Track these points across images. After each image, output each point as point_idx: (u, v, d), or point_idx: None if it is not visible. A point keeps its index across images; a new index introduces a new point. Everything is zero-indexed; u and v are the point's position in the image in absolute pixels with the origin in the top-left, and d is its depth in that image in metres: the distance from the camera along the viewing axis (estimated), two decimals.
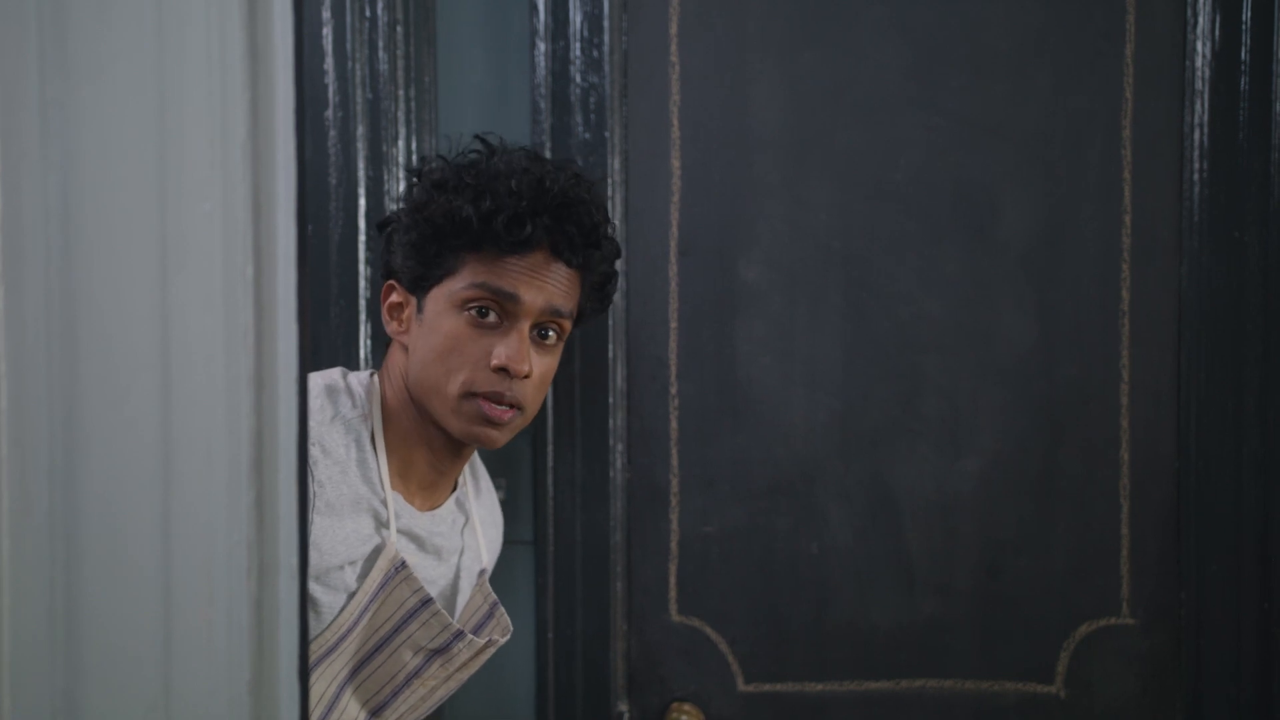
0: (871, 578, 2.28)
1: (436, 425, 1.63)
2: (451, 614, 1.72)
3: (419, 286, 1.65)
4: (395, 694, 1.71)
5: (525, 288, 1.59)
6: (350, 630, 1.60)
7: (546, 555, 2.17)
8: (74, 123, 0.91)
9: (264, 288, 0.94)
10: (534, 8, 2.13)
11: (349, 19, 2.12)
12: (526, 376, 1.59)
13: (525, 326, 1.60)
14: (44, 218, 0.90)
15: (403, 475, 1.65)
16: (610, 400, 2.15)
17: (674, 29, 2.17)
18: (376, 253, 1.99)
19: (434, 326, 1.63)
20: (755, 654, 2.27)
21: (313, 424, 1.58)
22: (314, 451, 1.57)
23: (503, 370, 1.58)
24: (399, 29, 2.15)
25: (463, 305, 1.60)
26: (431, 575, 1.69)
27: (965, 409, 2.28)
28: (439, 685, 1.71)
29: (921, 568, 2.27)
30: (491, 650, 1.70)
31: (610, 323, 2.13)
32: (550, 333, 1.64)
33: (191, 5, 0.91)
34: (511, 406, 1.60)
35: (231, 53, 0.92)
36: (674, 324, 2.19)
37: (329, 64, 2.14)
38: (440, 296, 1.63)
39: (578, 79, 2.16)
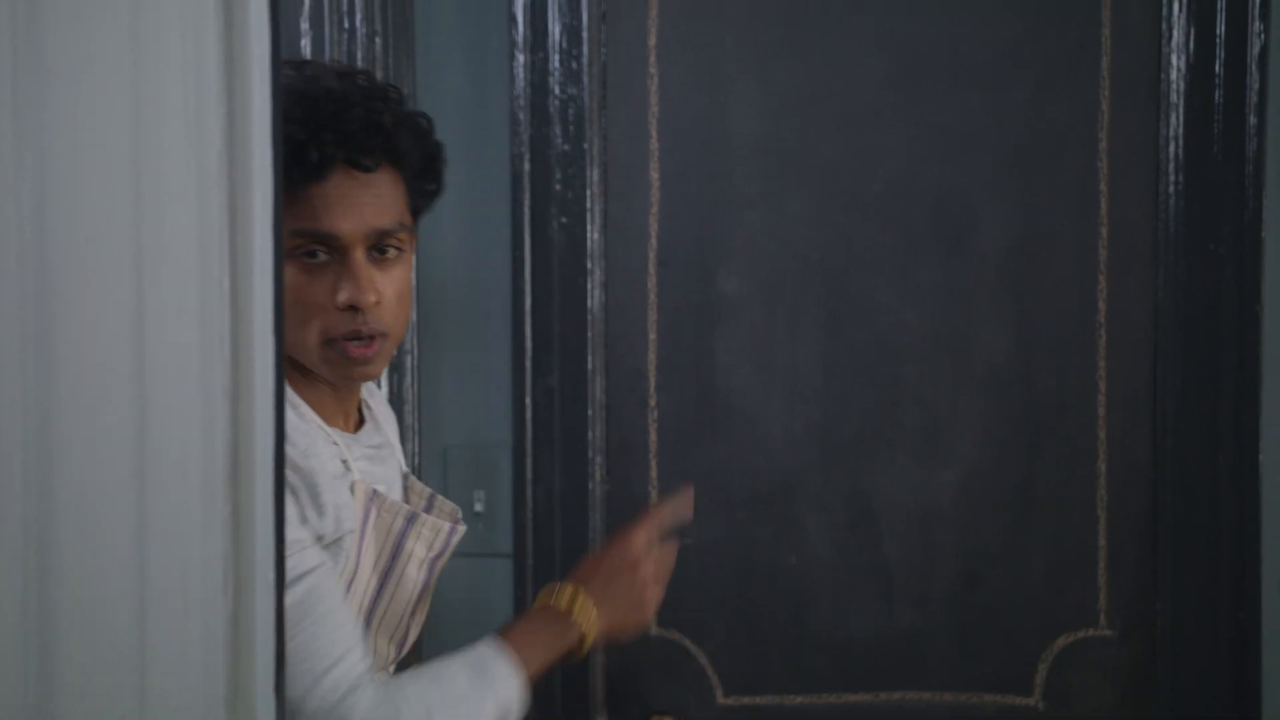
0: (850, 589, 2.27)
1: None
2: None
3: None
4: (412, 615, 1.71)
5: (339, 218, 1.52)
6: (356, 572, 1.64)
7: (525, 568, 2.16)
8: (48, 128, 0.90)
9: (240, 297, 0.92)
10: (513, 19, 2.17)
11: (327, 30, 2.11)
12: (377, 304, 1.54)
13: (358, 254, 1.53)
14: (17, 224, 0.88)
15: (323, 413, 1.64)
16: (589, 412, 2.15)
17: (652, 40, 2.18)
18: None
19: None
20: (734, 666, 2.26)
21: None
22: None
23: (351, 307, 1.53)
24: (377, 40, 2.14)
25: (290, 254, 1.54)
26: (390, 488, 1.71)
27: (943, 419, 2.29)
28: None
29: (900, 579, 2.28)
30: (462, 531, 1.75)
31: (589, 334, 2.17)
32: (389, 249, 1.56)
33: (168, 13, 0.90)
34: (373, 338, 1.56)
35: (208, 61, 0.91)
36: (653, 335, 2.19)
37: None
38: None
39: (556, 90, 2.19)
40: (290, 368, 1.62)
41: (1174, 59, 2.25)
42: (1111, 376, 2.30)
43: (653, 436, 2.18)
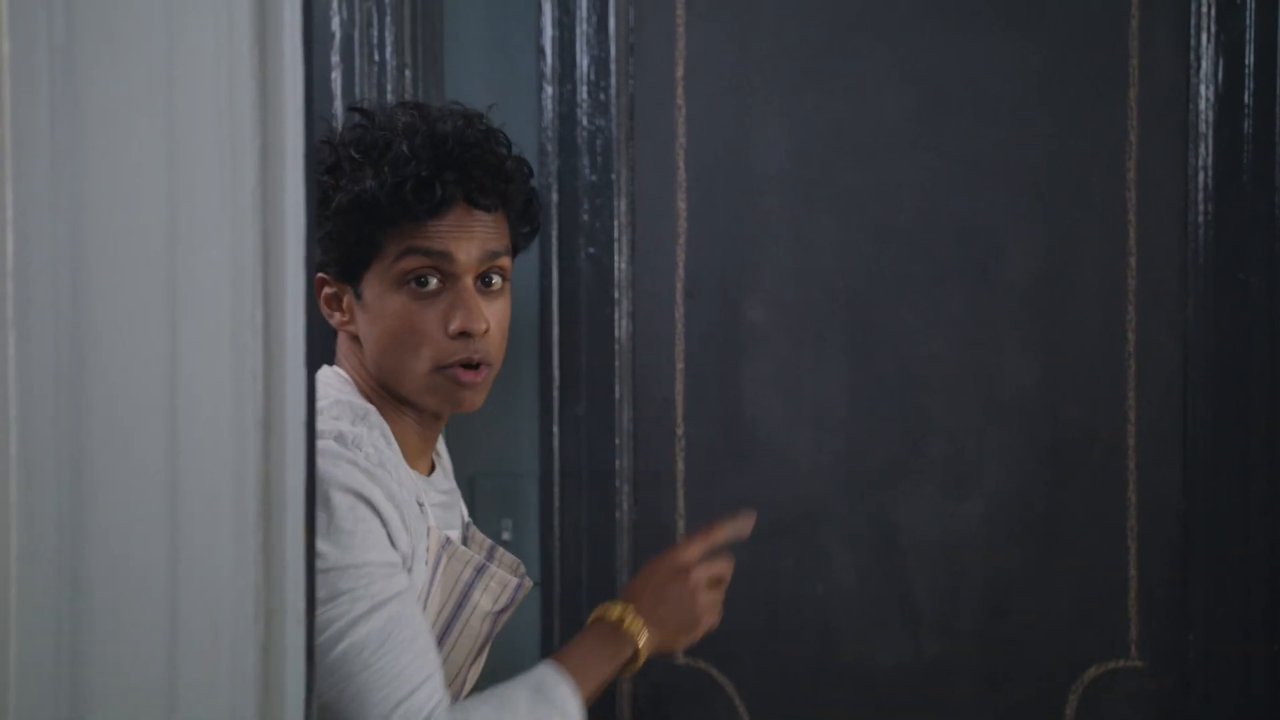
0: (876, 619, 2.27)
1: (409, 403, 1.64)
2: None
3: (350, 274, 1.62)
4: (470, 665, 1.72)
5: (455, 245, 1.58)
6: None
7: (553, 597, 2.16)
8: (84, 170, 0.91)
9: (273, 333, 0.93)
10: (541, 51, 2.19)
11: (358, 63, 2.14)
12: (486, 332, 1.59)
13: (468, 282, 1.58)
14: (53, 264, 0.90)
15: (405, 453, 1.66)
16: (617, 441, 2.16)
17: (679, 72, 2.20)
18: None
19: (380, 311, 1.61)
20: (761, 696, 2.27)
21: (344, 426, 1.61)
22: (367, 449, 1.58)
23: (462, 334, 1.57)
24: (407, 73, 2.16)
25: (400, 281, 1.58)
26: (455, 535, 1.73)
27: (969, 449, 2.29)
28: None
29: (926, 609, 2.27)
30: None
31: (617, 364, 2.18)
32: (494, 278, 1.62)
33: (203, 53, 0.92)
34: (480, 365, 1.60)
35: (241, 100, 0.92)
36: (680, 365, 2.20)
37: (338, 108, 2.13)
38: (375, 279, 1.60)
39: (584, 122, 2.20)
40: (381, 402, 1.66)
41: (1203, 89, 2.24)
42: (1141, 406, 2.29)
43: (680, 466, 2.18)
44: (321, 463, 1.56)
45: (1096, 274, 2.28)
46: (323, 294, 1.67)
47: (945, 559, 2.31)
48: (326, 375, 1.66)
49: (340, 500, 1.55)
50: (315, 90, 1.67)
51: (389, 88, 2.19)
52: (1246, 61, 2.21)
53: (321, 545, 1.53)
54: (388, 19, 2.23)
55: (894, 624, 2.29)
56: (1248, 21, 2.22)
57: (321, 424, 1.60)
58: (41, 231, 0.91)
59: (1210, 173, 2.24)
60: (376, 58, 2.19)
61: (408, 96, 2.18)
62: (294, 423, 0.95)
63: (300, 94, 1.03)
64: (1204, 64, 2.24)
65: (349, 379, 1.67)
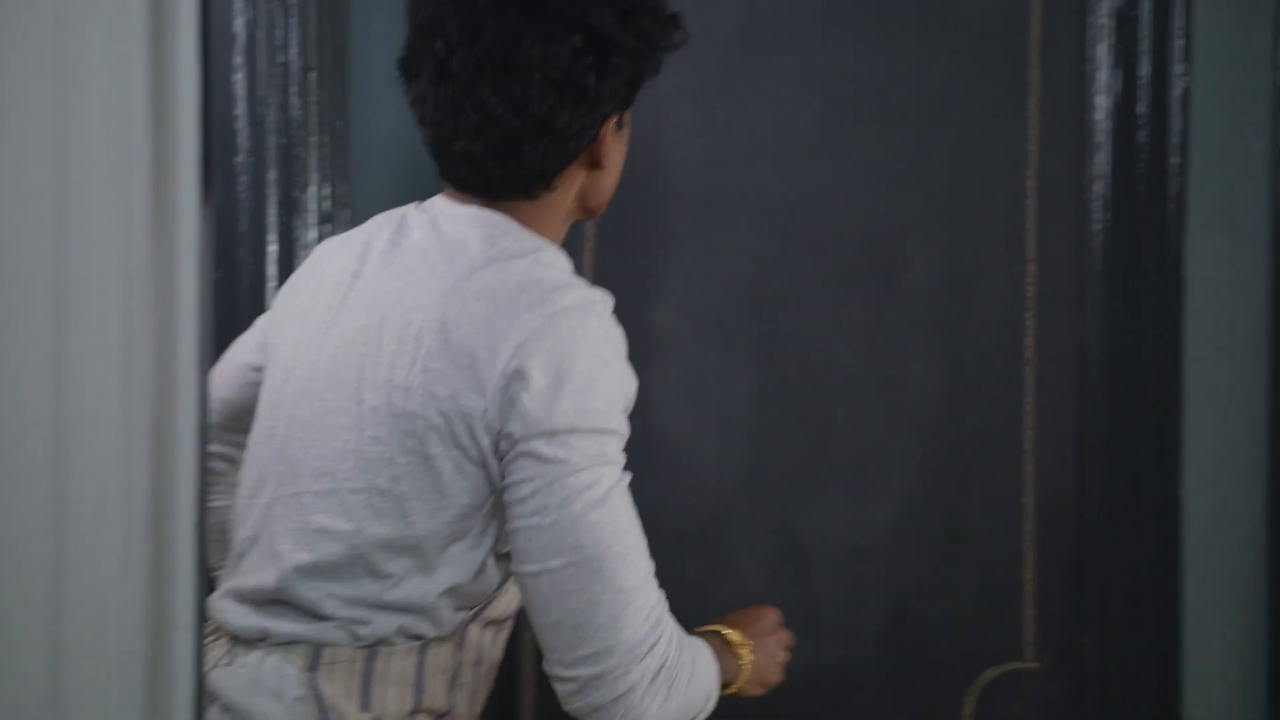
0: (787, 625, 2.20)
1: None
2: None
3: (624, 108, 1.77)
4: None
5: None
6: None
7: None
8: None
9: (165, 340, 0.92)
10: None
11: (261, 65, 2.14)
12: None
13: None
14: None
15: None
16: None
17: None
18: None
19: (624, 139, 1.78)
20: None
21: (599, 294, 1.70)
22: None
23: None
24: (313, 75, 2.16)
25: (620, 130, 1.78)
26: None
27: (873, 455, 2.30)
28: None
29: (829, 614, 2.29)
30: None
31: None
32: None
33: (94, 52, 0.90)
34: None
35: (135, 101, 0.91)
36: None
37: (240, 109, 2.15)
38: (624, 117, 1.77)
39: None
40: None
41: (1100, 100, 2.25)
42: (1039, 413, 2.30)
43: None
44: (570, 296, 1.64)
45: (997, 281, 2.29)
46: (608, 130, 1.74)
47: (848, 564, 2.31)
48: (546, 245, 1.71)
49: (626, 370, 1.65)
50: (215, 92, 1.67)
51: (293, 89, 2.19)
52: (1141, 74, 2.23)
53: (604, 387, 1.62)
54: (294, 19, 2.20)
55: (798, 628, 2.15)
56: (1143, 34, 2.24)
57: (542, 268, 1.68)
58: None
59: (1107, 181, 2.26)
60: (281, 59, 2.18)
61: (313, 98, 2.21)
62: (185, 430, 0.94)
63: (196, 96, 1.03)
64: (1101, 75, 2.26)
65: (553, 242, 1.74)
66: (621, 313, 2.14)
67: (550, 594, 1.56)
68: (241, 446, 1.80)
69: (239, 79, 2.14)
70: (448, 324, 1.58)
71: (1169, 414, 2.24)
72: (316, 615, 1.60)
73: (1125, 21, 2.24)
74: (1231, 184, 2.28)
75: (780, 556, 2.29)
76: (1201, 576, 2.28)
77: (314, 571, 1.60)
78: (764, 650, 1.81)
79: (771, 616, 1.86)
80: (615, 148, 1.74)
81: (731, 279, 2.25)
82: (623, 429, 1.62)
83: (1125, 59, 2.25)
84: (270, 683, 1.59)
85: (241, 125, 2.16)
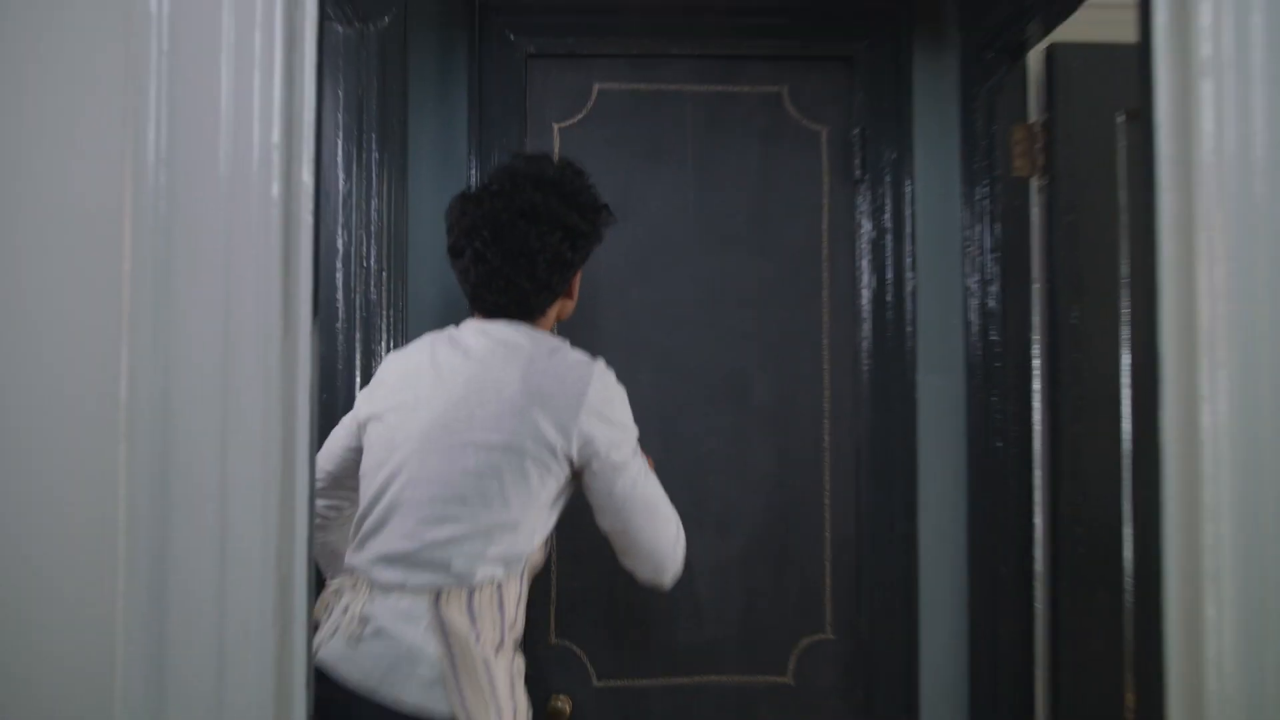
0: (677, 612, 2.56)
1: None
2: None
3: (582, 264, 1.98)
4: None
5: None
6: None
7: None
8: (178, 342, 1.09)
9: (289, 441, 1.12)
10: None
11: (353, 267, 2.32)
12: None
13: None
14: (152, 405, 1.08)
15: None
16: None
17: None
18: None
19: (578, 279, 2.01)
20: (604, 661, 2.50)
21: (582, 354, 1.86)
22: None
23: None
24: (384, 274, 2.37)
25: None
26: None
27: (733, 509, 2.57)
28: None
29: (707, 607, 2.56)
30: None
31: None
32: None
33: (246, 276, 1.11)
34: None
35: (271, 290, 1.12)
36: None
37: (339, 296, 2.31)
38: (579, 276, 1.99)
39: None
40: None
41: (864, 293, 2.61)
42: (832, 483, 2.61)
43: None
44: (597, 369, 1.85)
45: (807, 400, 2.58)
46: (576, 283, 1.99)
47: (718, 575, 2.54)
48: (530, 329, 1.90)
49: (620, 390, 1.87)
50: (322, 284, 2.00)
51: (371, 283, 2.33)
52: (888, 277, 2.61)
53: (622, 415, 1.86)
54: (373, 239, 2.36)
55: (687, 615, 2.56)
56: (887, 254, 2.61)
57: (573, 353, 1.88)
58: (148, 384, 1.09)
59: (870, 340, 2.60)
60: (365, 263, 2.33)
61: (384, 289, 2.35)
62: (301, 500, 1.15)
63: (309, 291, 1.41)
64: (864, 278, 2.62)
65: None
66: None
67: (624, 539, 1.84)
68: (341, 499, 2.01)
69: (339, 277, 2.32)
70: (531, 392, 1.79)
71: (909, 483, 2.58)
72: (443, 569, 1.73)
73: (877, 247, 2.61)
74: (942, 345, 2.63)
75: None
76: (929, 579, 2.61)
77: (447, 543, 1.74)
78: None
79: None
80: (575, 286, 2.00)
81: (643, 397, 2.44)
82: (636, 434, 1.86)
83: (878, 268, 2.61)
84: (410, 613, 1.72)
85: (340, 306, 2.31)
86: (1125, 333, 2.47)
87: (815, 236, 2.62)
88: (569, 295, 1.96)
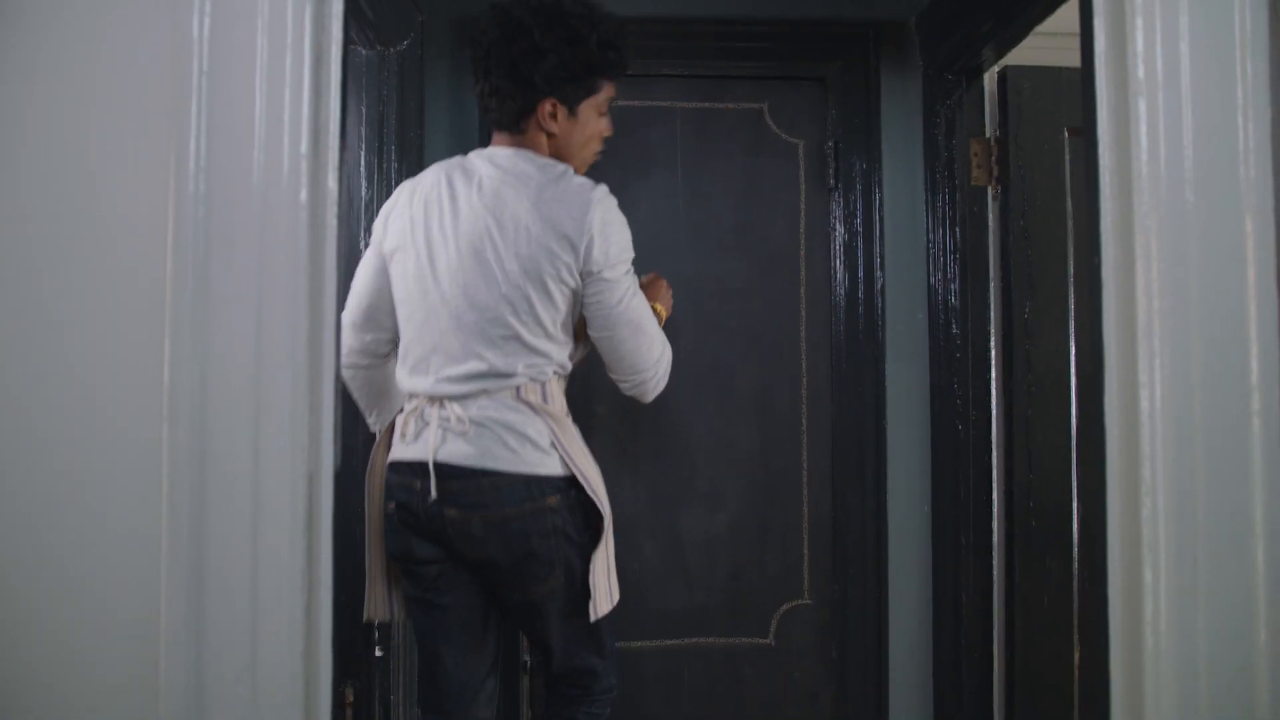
0: (669, 582, 2.61)
1: None
2: None
3: (571, 101, 1.90)
4: None
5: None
6: None
7: None
8: (215, 333, 1.13)
9: (315, 430, 1.17)
10: None
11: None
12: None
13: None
14: (190, 390, 1.13)
15: None
16: None
17: None
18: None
19: (585, 122, 1.93)
20: None
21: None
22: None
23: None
24: None
25: (600, 111, 1.93)
26: None
27: (720, 485, 2.63)
28: None
29: (696, 575, 2.62)
30: None
31: None
32: None
33: (278, 307, 1.14)
34: None
35: (298, 309, 1.15)
36: None
37: None
38: (590, 106, 1.93)
39: None
40: None
41: (837, 288, 2.68)
42: (809, 460, 2.67)
43: None
44: (598, 193, 1.85)
45: (786, 388, 2.66)
46: (548, 110, 1.91)
47: (706, 548, 2.61)
48: (533, 155, 1.90)
49: (620, 216, 1.87)
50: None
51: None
52: (859, 275, 2.67)
53: (619, 236, 1.86)
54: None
55: (678, 584, 2.62)
56: (858, 254, 2.67)
57: (576, 178, 1.88)
58: (186, 380, 1.13)
59: (843, 331, 2.67)
60: None
61: None
62: (326, 487, 1.33)
63: (333, 322, 1.41)
64: (838, 272, 2.69)
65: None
66: (573, 401, 2.09)
67: (608, 346, 1.89)
68: (379, 332, 2.00)
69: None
70: (544, 218, 1.83)
71: (879, 463, 2.66)
72: (508, 376, 1.84)
73: (850, 248, 2.68)
74: (908, 337, 2.69)
75: (668, 543, 2.58)
76: (897, 549, 2.67)
77: (506, 354, 1.84)
78: (660, 294, 2.12)
79: (657, 278, 2.14)
80: (565, 127, 1.91)
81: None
82: (631, 257, 1.88)
83: (850, 268, 2.68)
84: (504, 405, 1.84)
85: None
86: (1072, 326, 2.57)
87: (793, 239, 2.69)
88: (548, 131, 1.91)
